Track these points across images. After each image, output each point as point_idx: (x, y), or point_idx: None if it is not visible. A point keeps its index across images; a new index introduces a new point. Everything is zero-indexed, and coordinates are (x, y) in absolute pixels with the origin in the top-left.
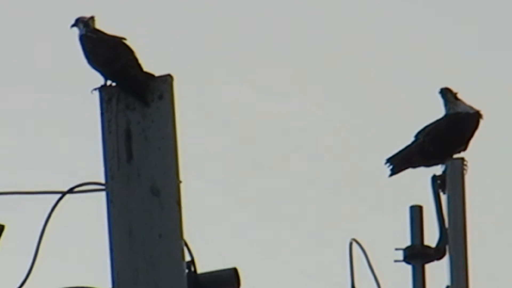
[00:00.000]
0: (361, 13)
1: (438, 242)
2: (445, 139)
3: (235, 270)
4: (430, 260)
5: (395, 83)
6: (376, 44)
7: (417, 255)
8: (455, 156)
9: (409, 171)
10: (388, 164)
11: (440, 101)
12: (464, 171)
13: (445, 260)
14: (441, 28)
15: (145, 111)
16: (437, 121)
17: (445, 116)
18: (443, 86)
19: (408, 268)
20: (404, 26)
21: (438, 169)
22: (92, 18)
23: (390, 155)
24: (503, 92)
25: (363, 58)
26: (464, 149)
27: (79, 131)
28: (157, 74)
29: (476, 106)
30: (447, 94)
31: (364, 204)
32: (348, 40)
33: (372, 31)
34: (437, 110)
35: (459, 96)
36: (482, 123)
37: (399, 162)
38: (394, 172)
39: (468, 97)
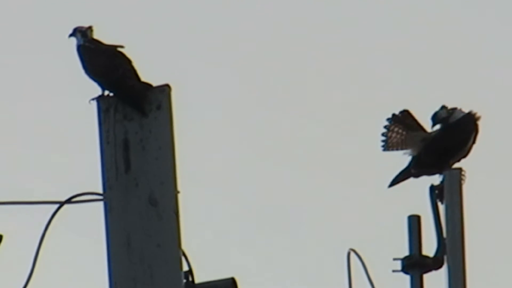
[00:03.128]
0: (360, 13)
1: (436, 252)
2: (441, 149)
3: (233, 280)
4: (428, 270)
5: (397, 92)
6: (375, 45)
7: (415, 265)
8: (456, 163)
9: (408, 181)
10: (392, 186)
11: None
12: (462, 181)
13: (443, 270)
14: (441, 28)
15: (143, 121)
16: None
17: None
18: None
19: (406, 278)
20: (403, 27)
21: (436, 179)
22: (90, 28)
23: (390, 180)
24: (502, 101)
25: (363, 62)
26: (465, 156)
27: (77, 141)
28: (155, 84)
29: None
30: (439, 118)
31: (362, 214)
32: (347, 41)
33: (371, 31)
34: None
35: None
36: (481, 129)
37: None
38: (389, 178)
39: (467, 105)
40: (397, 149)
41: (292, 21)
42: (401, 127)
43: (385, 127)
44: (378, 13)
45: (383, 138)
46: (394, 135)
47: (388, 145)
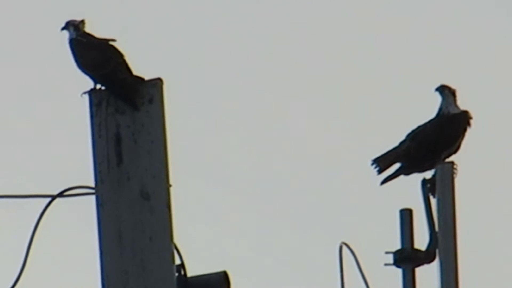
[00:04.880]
0: (359, 13)
1: (428, 245)
2: (431, 143)
3: (225, 274)
4: (420, 263)
5: (390, 89)
6: (374, 44)
7: (407, 259)
8: (446, 159)
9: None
10: (374, 166)
11: (435, 101)
12: (454, 175)
13: (435, 263)
14: (440, 28)
15: (135, 115)
16: (428, 122)
17: (434, 117)
18: (441, 84)
19: (398, 272)
20: (403, 27)
21: (428, 173)
22: (82, 21)
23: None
24: (494, 95)
25: (360, 60)
26: (455, 152)
27: (69, 134)
28: (147, 77)
29: (468, 108)
30: (444, 91)
31: (354, 208)
32: (347, 41)
33: (370, 31)
34: (431, 113)
35: (456, 96)
36: (472, 125)
37: (386, 164)
38: (382, 175)
39: (460, 100)
40: (391, 165)
41: (288, 18)
42: (383, 156)
43: (374, 166)
44: (378, 14)
45: (376, 168)
46: (382, 162)
47: (382, 168)
